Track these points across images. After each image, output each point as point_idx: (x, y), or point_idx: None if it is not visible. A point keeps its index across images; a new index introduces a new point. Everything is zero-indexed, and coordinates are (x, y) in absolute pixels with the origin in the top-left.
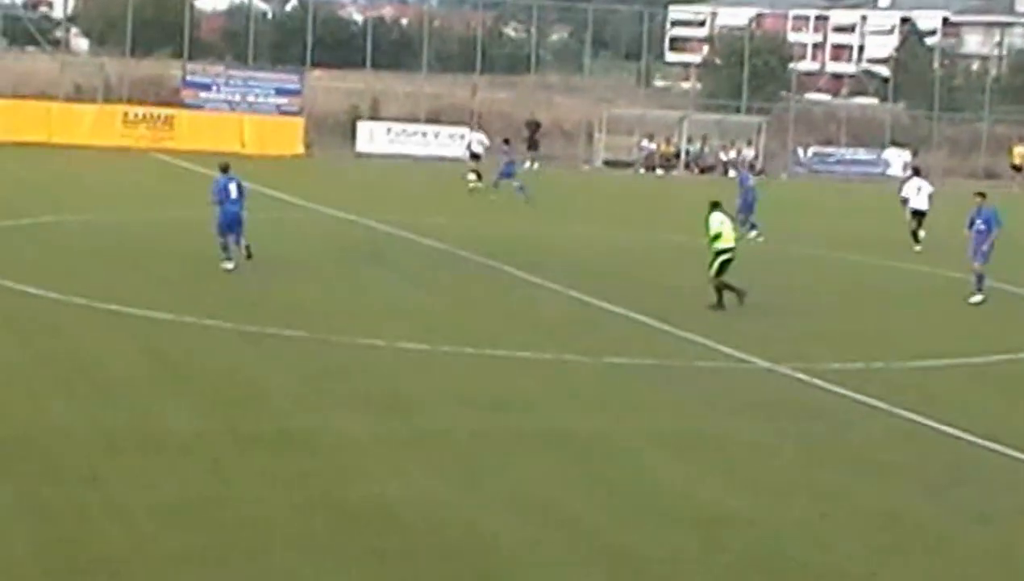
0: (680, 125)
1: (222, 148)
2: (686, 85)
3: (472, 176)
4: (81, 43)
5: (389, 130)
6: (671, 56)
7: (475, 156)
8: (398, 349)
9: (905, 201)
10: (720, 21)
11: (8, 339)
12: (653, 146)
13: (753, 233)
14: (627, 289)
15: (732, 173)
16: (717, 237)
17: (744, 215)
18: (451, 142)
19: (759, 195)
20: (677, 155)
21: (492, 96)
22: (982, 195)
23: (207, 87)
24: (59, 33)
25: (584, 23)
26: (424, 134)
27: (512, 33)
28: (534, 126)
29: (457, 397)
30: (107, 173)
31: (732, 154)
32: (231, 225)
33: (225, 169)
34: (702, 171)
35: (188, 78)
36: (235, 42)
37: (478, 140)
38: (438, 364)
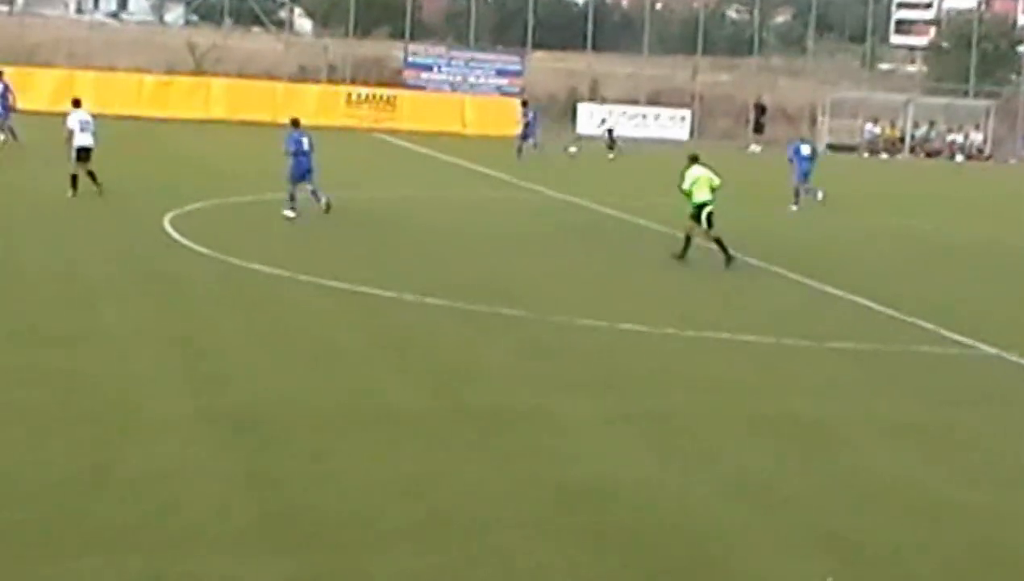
0: (905, 109)
1: (443, 128)
2: (911, 68)
3: (610, 153)
4: (304, 24)
5: (610, 112)
6: (896, 39)
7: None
8: (618, 330)
9: None
10: (947, 4)
11: (236, 316)
12: (878, 130)
13: (819, 195)
14: (850, 273)
15: (959, 158)
16: (691, 191)
17: (803, 184)
18: (671, 124)
19: (813, 167)
20: (902, 139)
21: (713, 79)
22: None
23: (429, 68)
24: (283, 14)
25: (808, 5)
26: (644, 116)
27: (734, 15)
28: (760, 109)
29: (676, 379)
30: (331, 153)
31: (959, 138)
32: (304, 175)
33: (296, 124)
34: (928, 155)
35: (410, 59)
36: (456, 23)
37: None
38: (658, 346)
